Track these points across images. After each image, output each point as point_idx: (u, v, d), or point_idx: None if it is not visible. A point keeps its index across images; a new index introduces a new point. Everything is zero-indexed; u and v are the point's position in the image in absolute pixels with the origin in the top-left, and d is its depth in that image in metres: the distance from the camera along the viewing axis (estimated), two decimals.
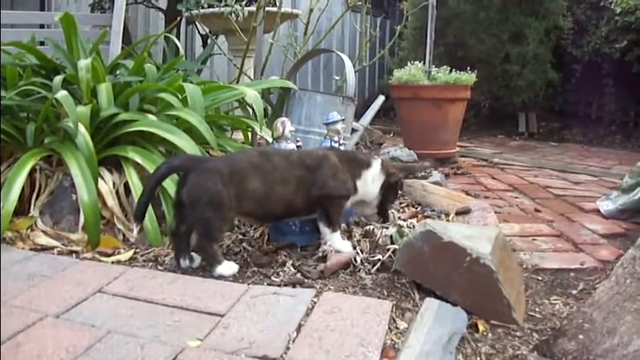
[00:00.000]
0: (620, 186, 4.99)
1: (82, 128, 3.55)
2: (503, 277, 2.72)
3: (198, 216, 3.06)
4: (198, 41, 7.77)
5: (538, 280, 3.41)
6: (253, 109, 4.24)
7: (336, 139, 3.70)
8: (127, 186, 3.65)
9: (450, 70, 7.13)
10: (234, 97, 4.41)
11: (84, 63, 3.82)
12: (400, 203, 4.47)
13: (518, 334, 2.68)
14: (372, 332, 2.38)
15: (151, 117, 3.86)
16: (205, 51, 6.38)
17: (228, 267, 3.08)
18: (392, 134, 8.81)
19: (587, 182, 6.52)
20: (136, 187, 3.56)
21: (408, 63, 7.35)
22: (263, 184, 3.14)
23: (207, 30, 6.88)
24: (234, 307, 2.59)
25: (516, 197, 5.60)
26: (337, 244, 3.28)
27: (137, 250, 3.39)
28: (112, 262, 3.20)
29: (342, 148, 3.73)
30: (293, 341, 2.32)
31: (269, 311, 2.56)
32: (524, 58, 10.11)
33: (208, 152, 4.02)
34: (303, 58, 5.66)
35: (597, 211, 4.99)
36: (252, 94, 4.00)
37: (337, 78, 6.14)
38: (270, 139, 3.86)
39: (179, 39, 6.67)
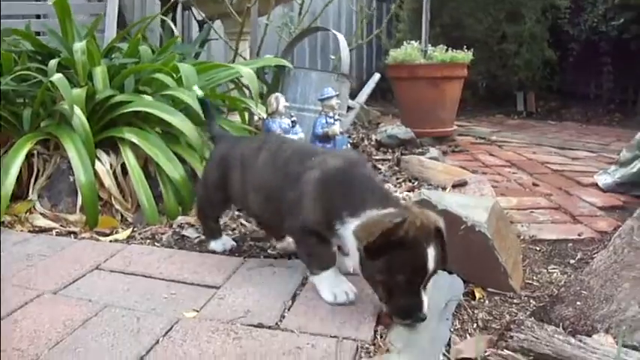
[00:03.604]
0: (618, 160, 4.98)
1: (77, 110, 3.55)
2: (499, 245, 2.73)
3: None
4: (195, 27, 7.77)
5: (536, 250, 3.42)
6: (250, 91, 4.24)
7: (331, 114, 3.70)
8: (124, 167, 3.64)
9: (447, 49, 7.12)
10: (229, 77, 4.40)
11: (79, 45, 3.82)
12: (397, 179, 4.49)
13: (515, 301, 2.70)
14: (368, 300, 2.38)
15: (147, 98, 3.85)
16: (201, 34, 6.37)
17: (220, 243, 3.09)
18: (390, 116, 8.80)
19: (585, 158, 6.52)
20: (133, 168, 3.57)
21: (404, 43, 7.34)
22: (240, 182, 2.88)
23: (204, 15, 6.88)
24: (231, 279, 2.61)
25: (514, 173, 5.60)
26: (321, 291, 2.45)
27: (135, 229, 3.41)
28: (110, 241, 3.21)
29: (337, 124, 3.71)
30: (288, 310, 2.34)
31: (265, 282, 2.57)
32: (521, 37, 10.11)
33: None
34: (297, 36, 5.67)
35: (595, 185, 5.00)
36: (246, 72, 3.99)
37: (333, 57, 6.15)
38: (264, 116, 3.85)
39: (176, 25, 6.64)
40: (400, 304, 2.18)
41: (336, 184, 2.39)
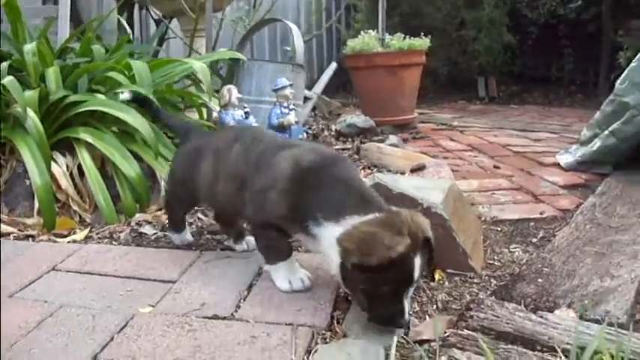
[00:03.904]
0: (579, 139, 5.00)
1: (31, 113, 3.51)
2: (457, 226, 2.73)
3: None
4: (153, 27, 7.74)
5: (497, 230, 3.42)
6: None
7: (285, 104, 3.69)
8: (81, 168, 3.61)
9: (405, 37, 7.11)
10: (183, 72, 4.37)
11: (29, 47, 3.77)
12: (356, 166, 4.47)
13: (475, 281, 2.70)
14: (325, 286, 2.39)
15: (100, 96, 3.83)
16: (157, 32, 6.34)
17: (179, 237, 3.09)
18: (352, 106, 8.78)
19: (547, 139, 6.53)
20: (89, 168, 3.55)
21: (362, 32, 7.32)
22: (211, 172, 2.73)
23: (160, 14, 6.84)
24: (187, 272, 2.61)
25: (475, 156, 5.60)
26: (276, 279, 2.45)
27: (93, 229, 3.38)
28: (68, 242, 3.18)
29: (292, 113, 3.69)
30: (244, 300, 2.34)
31: (221, 274, 2.57)
32: (480, 22, 10.11)
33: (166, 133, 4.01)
34: (251, 29, 5.67)
35: (557, 165, 5.01)
36: (199, 66, 3.98)
37: (288, 49, 6.13)
38: (217, 108, 3.83)
39: (133, 25, 6.61)
40: (381, 312, 2.10)
41: (310, 181, 2.28)
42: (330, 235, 2.15)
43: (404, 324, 2.10)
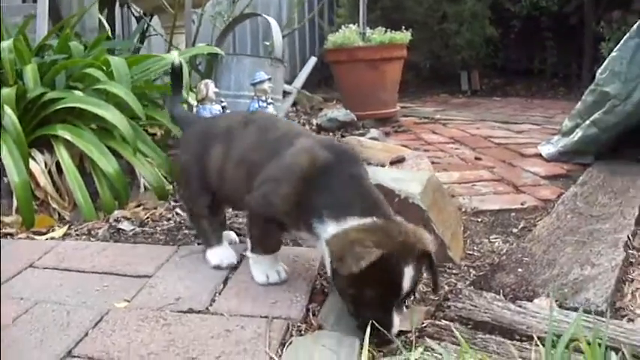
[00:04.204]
0: (561, 130, 5.01)
1: (8, 110, 3.49)
2: (436, 217, 2.72)
3: None
4: (135, 24, 7.72)
5: (477, 221, 3.42)
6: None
7: (263, 98, 3.67)
8: (59, 165, 3.58)
9: (386, 31, 7.10)
10: (161, 68, 4.33)
11: (6, 44, 3.76)
12: None
13: (454, 271, 2.69)
14: (301, 278, 2.39)
15: (79, 93, 3.79)
16: (137, 29, 6.34)
17: (218, 254, 2.65)
18: (334, 102, 8.77)
19: (529, 131, 6.53)
20: (67, 165, 3.52)
21: (343, 27, 7.32)
22: (221, 157, 2.59)
23: (141, 11, 6.83)
24: (163, 267, 2.60)
25: (457, 148, 5.59)
26: (254, 270, 2.44)
27: (72, 227, 3.35)
28: (46, 239, 3.15)
29: (271, 107, 3.67)
30: (219, 293, 2.33)
31: (197, 269, 2.56)
32: (462, 16, 10.10)
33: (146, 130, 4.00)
34: (230, 24, 5.66)
35: (539, 156, 5.02)
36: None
37: (268, 43, 6.12)
38: (195, 103, 3.82)
39: (114, 23, 6.60)
40: (367, 321, 1.97)
41: (323, 180, 2.21)
42: (327, 233, 2.12)
43: (392, 334, 2.04)
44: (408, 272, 2.01)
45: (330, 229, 2.12)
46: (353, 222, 2.08)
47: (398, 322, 2.05)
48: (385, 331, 2.00)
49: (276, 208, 2.26)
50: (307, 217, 2.19)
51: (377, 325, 1.97)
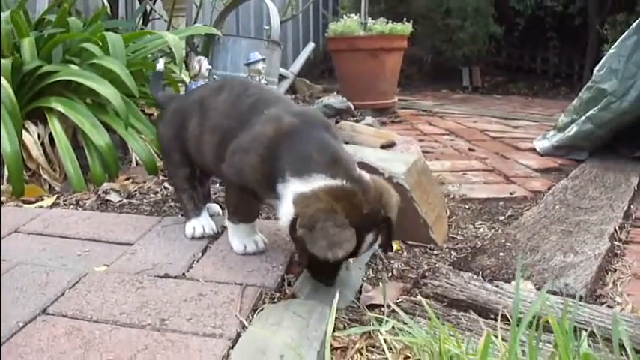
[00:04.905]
0: (556, 125, 5.03)
1: (3, 81, 3.50)
2: (420, 198, 2.73)
3: None
4: (137, 5, 7.73)
5: (465, 208, 3.43)
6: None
7: (257, 78, 3.67)
8: (52, 137, 3.60)
9: (387, 22, 7.11)
10: (158, 46, 4.36)
11: (3, 15, 3.77)
12: None
13: (435, 252, 2.71)
14: (280, 250, 2.40)
15: (74, 67, 3.81)
16: (139, 10, 6.34)
17: (195, 225, 2.63)
18: (335, 92, 8.77)
19: (527, 127, 6.55)
20: (60, 137, 3.53)
21: (344, 16, 7.32)
22: (197, 126, 2.56)
23: None
24: (145, 236, 2.60)
25: (452, 140, 5.60)
26: (232, 240, 2.44)
27: (60, 197, 3.37)
28: (35, 208, 3.17)
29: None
30: (197, 261, 2.34)
31: (178, 238, 2.57)
32: (465, 11, 10.12)
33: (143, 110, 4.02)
34: (229, 5, 5.65)
35: (533, 151, 5.04)
36: (172, 39, 3.97)
37: (267, 27, 6.12)
38: (187, 80, 3.83)
39: (117, 4, 6.60)
40: (314, 270, 2.14)
41: (287, 143, 2.16)
42: (291, 191, 2.06)
43: (330, 283, 2.13)
44: (367, 239, 2.04)
45: (294, 186, 2.07)
46: (319, 181, 2.04)
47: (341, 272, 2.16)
48: (327, 283, 2.14)
49: (247, 177, 2.23)
50: (273, 183, 2.14)
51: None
